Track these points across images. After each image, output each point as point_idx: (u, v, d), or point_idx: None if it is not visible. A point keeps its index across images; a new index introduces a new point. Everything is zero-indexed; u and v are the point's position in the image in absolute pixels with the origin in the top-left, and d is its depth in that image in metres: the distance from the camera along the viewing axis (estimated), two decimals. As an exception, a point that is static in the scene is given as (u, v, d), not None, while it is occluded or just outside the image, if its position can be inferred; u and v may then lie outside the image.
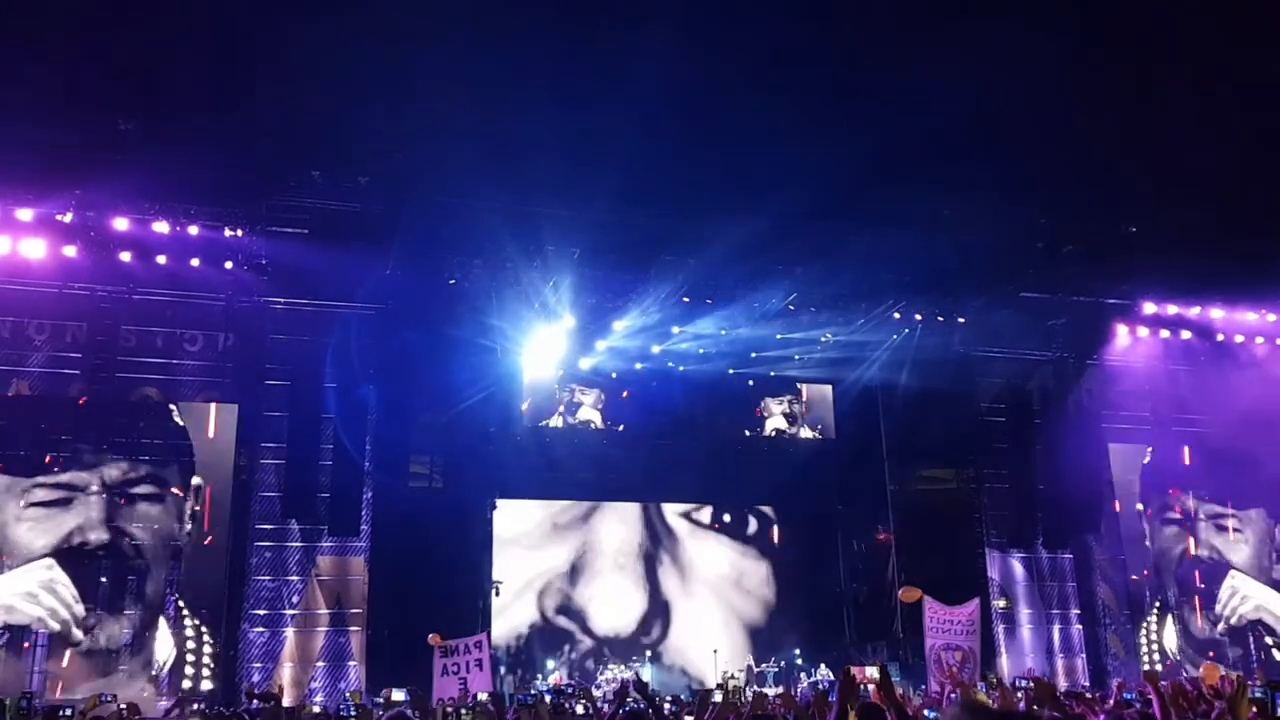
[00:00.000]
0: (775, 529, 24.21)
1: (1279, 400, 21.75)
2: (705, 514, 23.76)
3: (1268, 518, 23.34)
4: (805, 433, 23.06)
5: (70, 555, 17.11)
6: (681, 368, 22.03)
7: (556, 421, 21.72)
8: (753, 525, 24.05)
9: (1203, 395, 22.89)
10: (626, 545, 23.17)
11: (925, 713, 8.17)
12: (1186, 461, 23.00)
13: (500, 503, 21.40)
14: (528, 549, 22.62)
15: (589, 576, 22.89)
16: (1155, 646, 22.13)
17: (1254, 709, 5.56)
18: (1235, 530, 23.17)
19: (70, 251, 17.34)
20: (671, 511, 23.60)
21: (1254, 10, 18.03)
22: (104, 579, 17.27)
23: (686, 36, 17.19)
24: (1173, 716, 6.02)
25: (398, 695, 12.70)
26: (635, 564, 22.90)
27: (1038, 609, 21.58)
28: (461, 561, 20.13)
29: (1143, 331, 22.56)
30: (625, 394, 21.93)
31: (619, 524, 23.30)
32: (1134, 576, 22.35)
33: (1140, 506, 22.92)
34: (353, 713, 10.50)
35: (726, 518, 23.84)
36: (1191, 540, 23.03)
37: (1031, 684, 8.91)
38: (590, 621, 22.76)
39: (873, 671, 9.72)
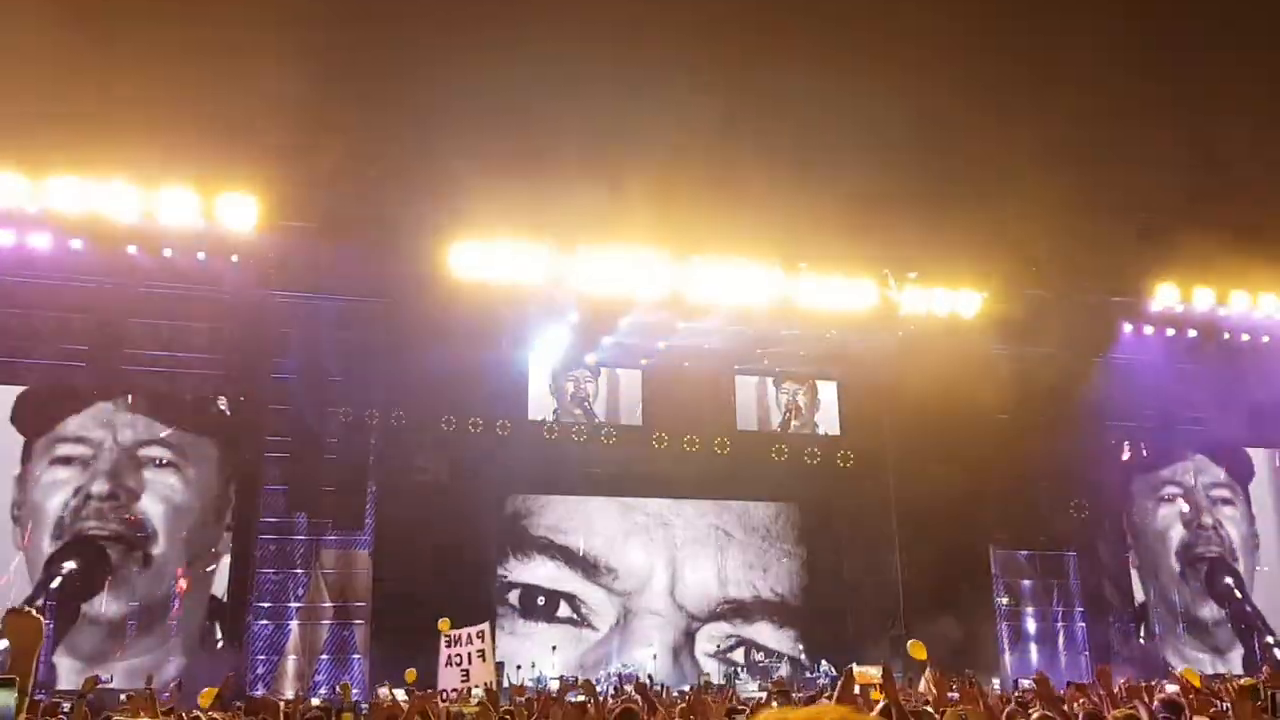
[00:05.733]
0: (779, 524, 24.18)
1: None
2: (739, 654, 22.87)
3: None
4: (810, 429, 23.04)
5: (77, 522, 17.53)
6: (687, 363, 22.02)
7: (562, 416, 21.73)
8: (756, 520, 24.02)
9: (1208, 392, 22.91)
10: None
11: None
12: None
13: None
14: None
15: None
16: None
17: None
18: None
19: (76, 244, 17.42)
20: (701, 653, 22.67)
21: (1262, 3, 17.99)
22: (109, 556, 17.53)
23: (694, 28, 17.21)
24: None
25: (400, 695, 12.70)
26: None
27: (1042, 606, 21.59)
28: (466, 555, 20.17)
29: (1149, 329, 22.50)
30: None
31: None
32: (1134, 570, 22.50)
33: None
34: (364, 708, 10.57)
35: (758, 656, 22.64)
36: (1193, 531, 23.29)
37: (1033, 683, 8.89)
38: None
39: (875, 671, 9.70)
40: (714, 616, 22.95)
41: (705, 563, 23.21)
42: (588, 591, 22.38)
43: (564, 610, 22.21)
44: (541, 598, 22.13)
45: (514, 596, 21.98)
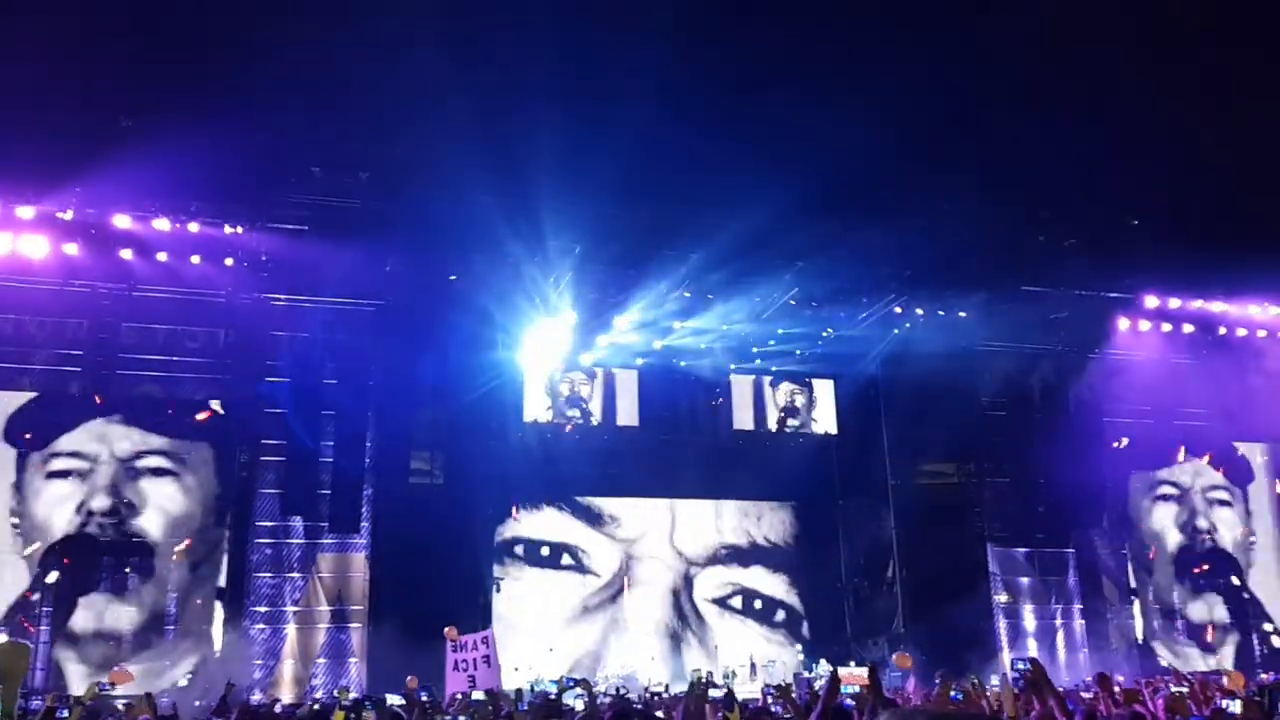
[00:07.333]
0: (776, 523, 24.14)
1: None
2: (737, 600, 23.41)
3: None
4: (806, 427, 23.03)
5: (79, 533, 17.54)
6: (683, 363, 22.02)
7: (558, 417, 21.71)
8: (754, 519, 23.98)
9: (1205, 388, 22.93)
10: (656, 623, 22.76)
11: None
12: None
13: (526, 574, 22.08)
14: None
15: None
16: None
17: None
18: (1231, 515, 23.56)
19: (71, 249, 17.38)
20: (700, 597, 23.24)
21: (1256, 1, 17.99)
22: (107, 560, 17.55)
23: (686, 31, 17.18)
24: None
25: (394, 700, 12.66)
26: (663, 640, 22.56)
27: (1040, 603, 21.59)
28: (463, 558, 20.14)
29: (1144, 325, 22.49)
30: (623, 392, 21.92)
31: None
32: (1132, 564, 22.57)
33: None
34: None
35: (758, 604, 23.39)
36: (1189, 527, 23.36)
37: (1029, 667, 8.82)
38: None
39: (860, 671, 9.70)
40: (712, 561, 23.27)
41: (704, 515, 23.60)
42: (591, 540, 22.77)
43: (567, 559, 22.63)
44: (546, 548, 22.55)
45: (520, 547, 22.42)
